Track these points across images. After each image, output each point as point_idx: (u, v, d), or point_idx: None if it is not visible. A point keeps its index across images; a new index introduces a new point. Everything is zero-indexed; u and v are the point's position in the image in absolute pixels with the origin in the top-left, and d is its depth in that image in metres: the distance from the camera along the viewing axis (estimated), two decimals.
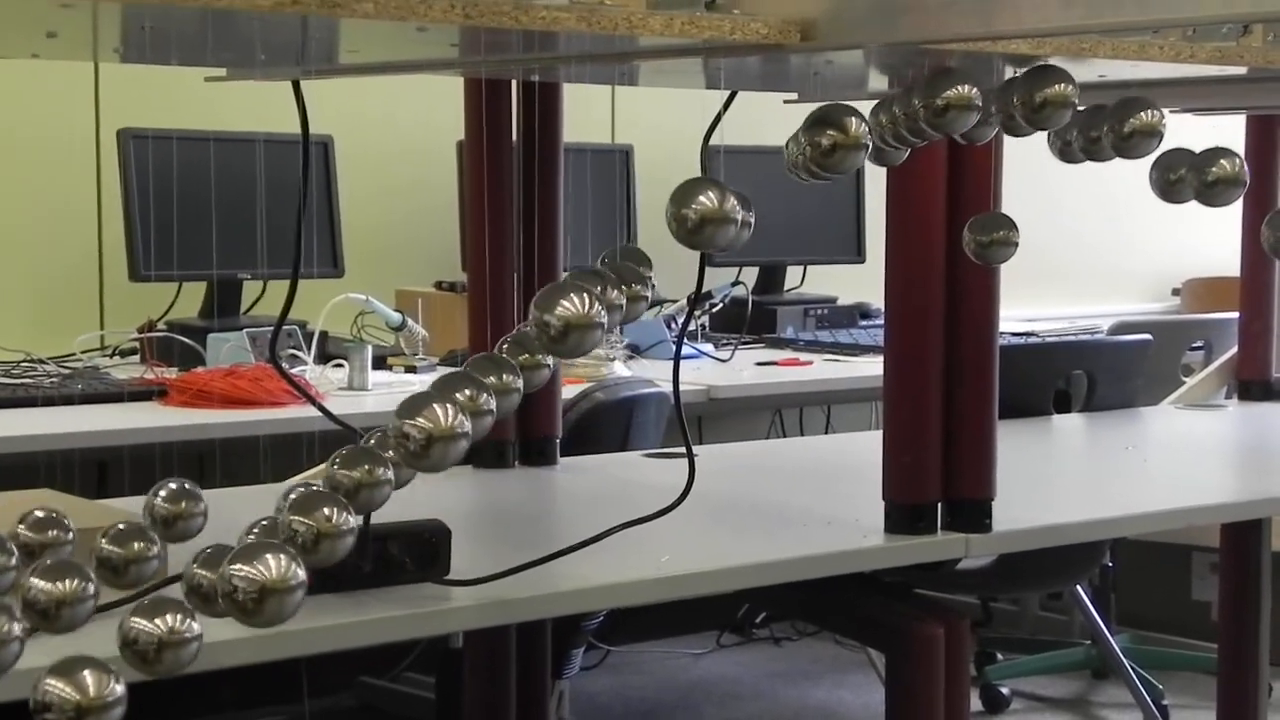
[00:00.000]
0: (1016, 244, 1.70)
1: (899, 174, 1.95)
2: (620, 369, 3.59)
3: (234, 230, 3.62)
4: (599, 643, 4.18)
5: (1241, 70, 1.71)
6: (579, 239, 3.90)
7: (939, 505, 1.97)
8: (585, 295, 1.38)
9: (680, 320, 4.04)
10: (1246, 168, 1.56)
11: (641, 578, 1.76)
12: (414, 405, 1.34)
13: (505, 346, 1.43)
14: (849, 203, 4.67)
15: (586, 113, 4.14)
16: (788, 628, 4.69)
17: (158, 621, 1.25)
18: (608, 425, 3.12)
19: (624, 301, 1.45)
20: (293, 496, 1.33)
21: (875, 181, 3.20)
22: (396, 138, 4.12)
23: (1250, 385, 3.06)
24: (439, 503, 2.14)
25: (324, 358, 3.46)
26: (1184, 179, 1.57)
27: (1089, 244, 5.52)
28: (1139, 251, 5.70)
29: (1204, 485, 2.55)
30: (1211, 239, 5.26)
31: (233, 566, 1.26)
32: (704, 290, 3.93)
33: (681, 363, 1.87)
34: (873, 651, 3.78)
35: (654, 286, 1.51)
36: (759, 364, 3.95)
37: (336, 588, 1.61)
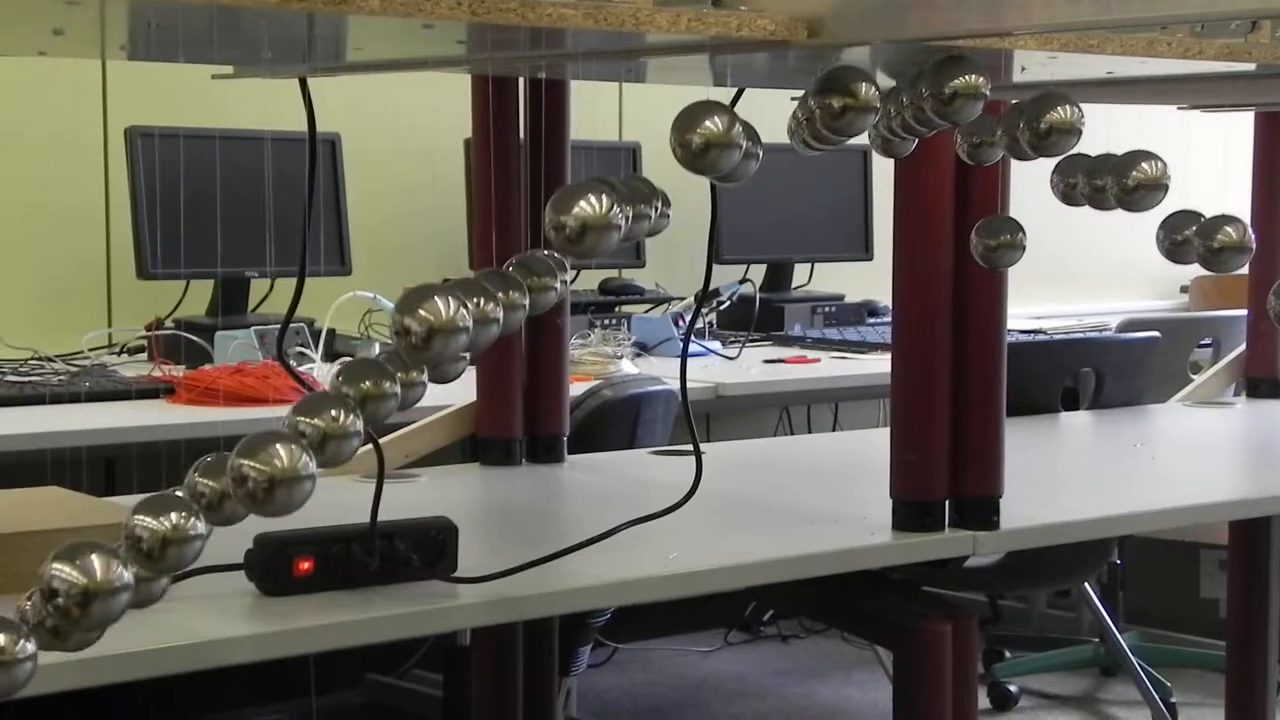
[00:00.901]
0: (1024, 248, 1.70)
1: (906, 169, 1.95)
2: (628, 366, 3.59)
3: (241, 228, 3.63)
4: (606, 640, 4.18)
5: (1250, 66, 1.70)
6: None
7: (946, 503, 1.96)
8: (603, 196, 1.38)
9: (688, 318, 4.04)
10: (1251, 233, 1.56)
11: (649, 575, 1.76)
12: (416, 298, 1.33)
13: (513, 266, 1.43)
14: (856, 200, 4.67)
15: (594, 110, 4.14)
16: (795, 625, 4.69)
17: (161, 519, 1.24)
18: (615, 423, 3.12)
19: (632, 215, 1.44)
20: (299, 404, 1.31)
21: (883, 178, 3.20)
22: (404, 135, 4.12)
23: (1259, 382, 3.05)
24: (446, 500, 2.14)
25: (332, 355, 3.47)
26: (1190, 241, 1.57)
27: (1097, 241, 5.51)
28: (1147, 248, 5.63)
29: (1212, 483, 2.54)
30: None
31: (242, 459, 1.26)
32: (711, 288, 3.94)
33: (689, 360, 1.87)
34: (880, 649, 3.78)
35: (665, 212, 1.50)
36: (766, 361, 3.94)
37: (344, 585, 1.61)
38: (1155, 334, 3.28)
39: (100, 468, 3.26)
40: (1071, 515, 2.13)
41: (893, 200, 1.98)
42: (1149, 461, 2.66)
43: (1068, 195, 1.62)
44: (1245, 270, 3.05)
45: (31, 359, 3.43)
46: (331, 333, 3.53)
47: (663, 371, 3.48)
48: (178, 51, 1.75)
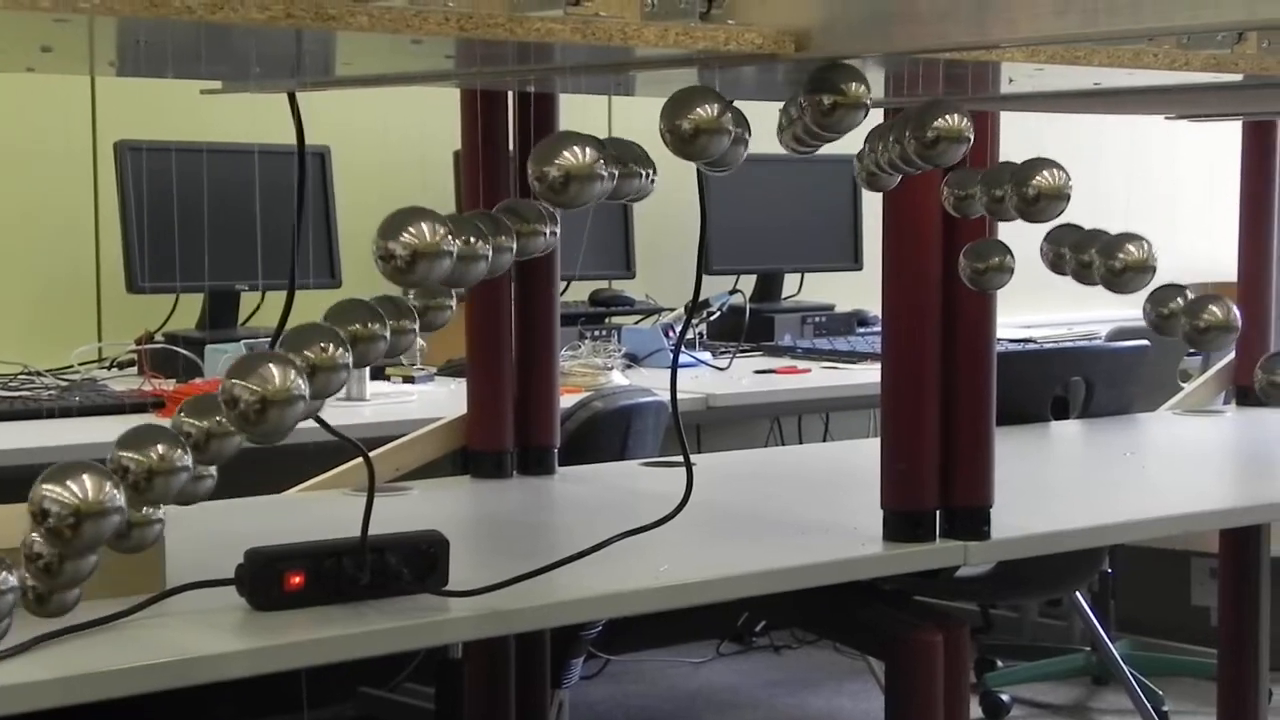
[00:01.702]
0: (1012, 270, 1.72)
1: (896, 184, 1.95)
2: (618, 378, 3.59)
3: (231, 241, 3.62)
4: (598, 652, 4.18)
5: (1237, 77, 1.71)
6: (575, 249, 3.90)
7: (937, 513, 1.96)
8: (587, 148, 1.38)
9: (678, 329, 4.04)
10: (1238, 313, 1.58)
11: (640, 587, 1.76)
12: (400, 221, 1.34)
13: (501, 210, 1.44)
14: (846, 210, 4.67)
15: (582, 123, 4.14)
16: (787, 636, 4.69)
17: (149, 451, 1.25)
18: (606, 434, 3.12)
19: (619, 172, 1.45)
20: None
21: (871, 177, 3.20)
22: (393, 148, 4.12)
23: (1248, 391, 3.06)
24: (437, 513, 2.14)
25: None
26: (1176, 316, 1.59)
27: None
28: None
29: (1203, 491, 2.55)
30: (1207, 245, 5.26)
31: (234, 380, 1.27)
32: (701, 298, 3.94)
33: (679, 371, 1.87)
34: (872, 659, 3.78)
35: (652, 178, 1.50)
36: (757, 372, 3.95)
37: (335, 599, 1.61)
38: (1145, 343, 3.28)
39: None
40: (1062, 524, 2.14)
41: (882, 210, 1.98)
42: (1139, 470, 2.67)
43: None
44: (1234, 277, 3.06)
45: (21, 374, 3.43)
46: None
47: (653, 383, 3.47)
48: (166, 67, 1.75)
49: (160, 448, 1.26)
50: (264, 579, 1.60)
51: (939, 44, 1.43)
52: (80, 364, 3.57)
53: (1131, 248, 1.54)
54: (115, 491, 1.21)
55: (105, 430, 2.97)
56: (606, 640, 3.91)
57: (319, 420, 1.71)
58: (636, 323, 4.30)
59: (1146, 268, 1.53)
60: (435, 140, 3.78)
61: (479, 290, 2.42)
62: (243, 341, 3.47)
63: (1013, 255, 1.71)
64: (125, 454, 1.25)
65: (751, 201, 4.43)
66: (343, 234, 3.89)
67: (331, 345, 1.33)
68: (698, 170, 1.78)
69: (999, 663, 4.32)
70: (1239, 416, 3.03)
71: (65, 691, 1.41)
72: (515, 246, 1.42)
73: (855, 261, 4.68)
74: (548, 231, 1.46)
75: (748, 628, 4.65)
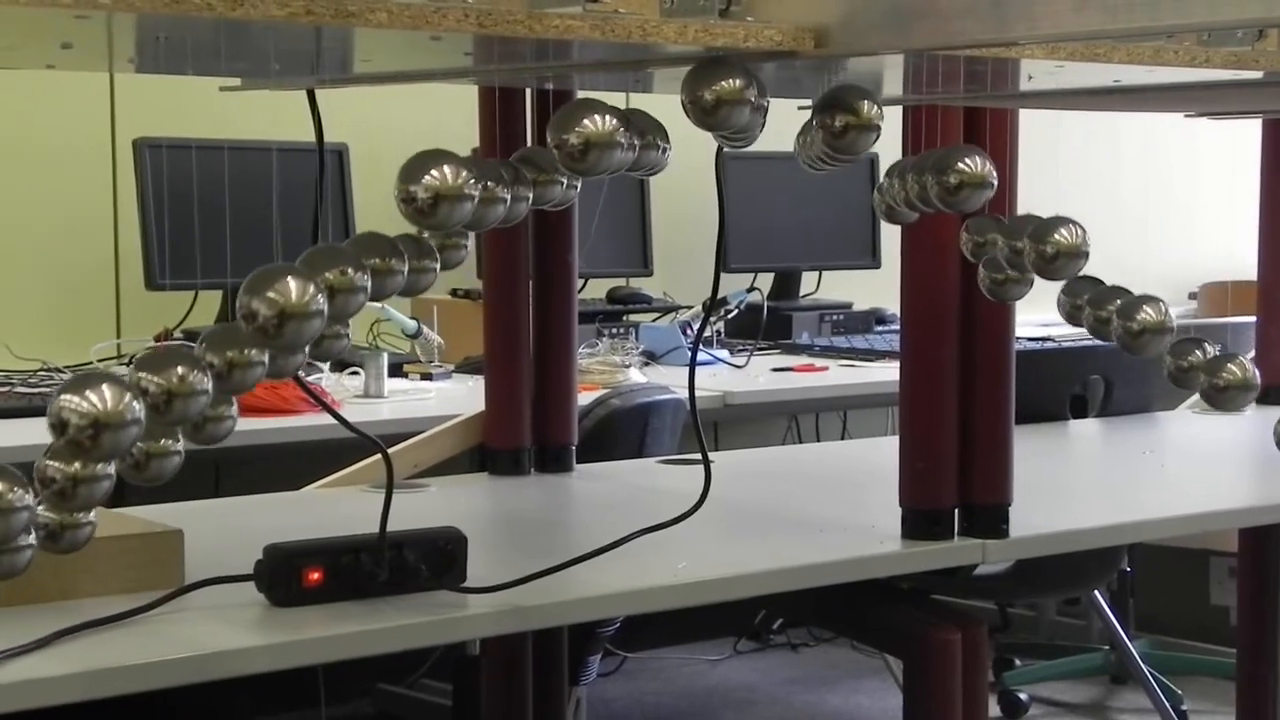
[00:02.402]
0: (1032, 281, 1.72)
1: None
2: (636, 375, 3.59)
3: (249, 239, 3.63)
4: (616, 649, 4.17)
5: (1257, 74, 1.70)
6: (593, 246, 3.90)
7: (956, 511, 1.96)
8: (608, 116, 1.39)
9: (695, 326, 4.03)
10: (1256, 373, 1.61)
11: (658, 584, 1.76)
12: (421, 165, 1.35)
13: (518, 159, 1.45)
14: (864, 208, 4.66)
15: None
16: (804, 634, 4.69)
17: (167, 373, 1.25)
18: (623, 432, 3.12)
19: (640, 143, 1.45)
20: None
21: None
22: (411, 146, 4.10)
23: (1268, 389, 3.05)
24: (455, 510, 2.14)
25: (340, 365, 3.47)
26: (1195, 371, 1.62)
27: (1105, 248, 5.47)
28: (1156, 255, 5.68)
29: (1222, 490, 2.54)
30: (1229, 243, 5.25)
31: (250, 295, 1.27)
32: (719, 296, 3.94)
33: (697, 369, 1.87)
34: (890, 657, 3.77)
35: (668, 151, 1.51)
36: (774, 370, 3.94)
37: (353, 595, 1.61)
38: None
39: None
40: (1081, 523, 2.13)
41: None
42: (1158, 469, 2.66)
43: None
44: (1254, 275, 3.05)
45: (40, 370, 3.44)
46: None
47: (671, 380, 3.47)
48: (186, 64, 1.76)
49: (180, 369, 1.26)
50: (283, 575, 1.60)
51: (959, 41, 1.42)
52: (99, 360, 3.58)
53: (1149, 310, 1.55)
54: (135, 403, 1.21)
55: None
56: (624, 637, 3.91)
57: (338, 417, 1.71)
58: (654, 320, 4.30)
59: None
60: (452, 138, 3.75)
61: (497, 287, 2.42)
62: None
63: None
64: (144, 375, 1.25)
65: (769, 199, 4.43)
66: (360, 231, 3.89)
67: (350, 269, 1.34)
68: (716, 167, 1.78)
69: (1017, 661, 4.31)
70: (1258, 415, 3.01)
71: (85, 686, 1.42)
72: (532, 195, 1.43)
73: (873, 259, 4.67)
74: (564, 181, 1.47)
75: (765, 625, 4.64)
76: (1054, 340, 4.34)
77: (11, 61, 1.88)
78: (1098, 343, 4.36)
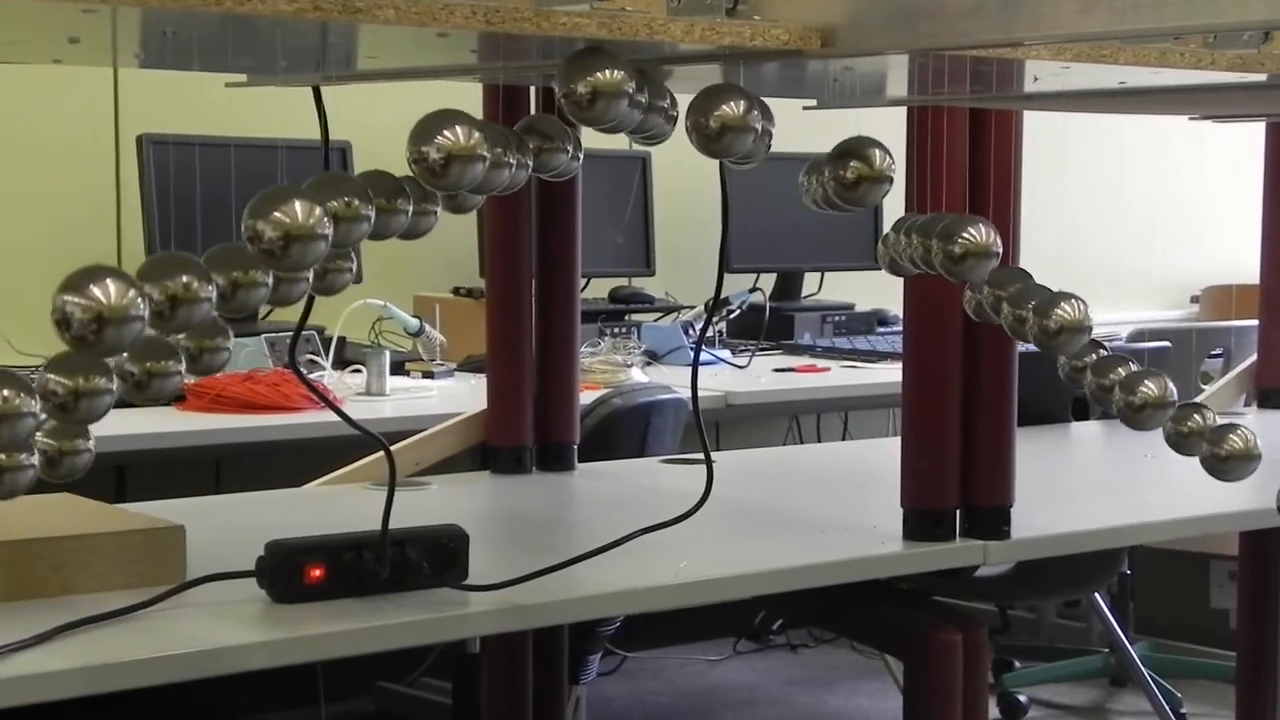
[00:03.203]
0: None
1: (917, 179, 1.95)
2: (637, 375, 3.59)
3: None
4: (616, 648, 4.17)
5: (1262, 77, 1.70)
6: (596, 245, 3.91)
7: (957, 512, 1.96)
8: (617, 69, 1.39)
9: (698, 326, 4.04)
10: (1259, 443, 1.62)
11: (659, 584, 1.76)
12: (434, 125, 1.36)
13: (522, 127, 1.46)
14: (866, 209, 4.66)
15: None
16: (804, 634, 4.69)
17: (169, 283, 1.25)
18: (625, 431, 3.12)
19: (647, 102, 1.47)
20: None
21: (894, 189, 3.20)
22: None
23: (1270, 393, 3.05)
24: (456, 508, 2.14)
25: (342, 363, 3.47)
26: (1196, 437, 1.64)
27: (1108, 251, 5.51)
28: (1158, 259, 5.68)
29: (1222, 493, 2.52)
30: (1231, 246, 5.25)
31: (255, 219, 1.28)
32: (721, 296, 3.94)
33: (699, 369, 1.87)
34: (890, 658, 3.77)
35: (673, 115, 1.52)
36: (776, 370, 3.94)
37: (355, 592, 1.61)
38: (1166, 344, 3.28)
39: (110, 474, 3.26)
40: (1082, 525, 2.13)
41: (903, 209, 1.98)
42: (1159, 472, 2.66)
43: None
44: (1256, 279, 3.05)
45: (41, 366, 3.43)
46: (342, 340, 3.53)
47: (672, 380, 3.47)
48: (192, 60, 1.76)
49: (184, 278, 1.26)
50: (284, 571, 1.60)
51: (965, 41, 1.42)
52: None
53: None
54: (139, 299, 1.21)
55: (126, 423, 2.99)
56: (624, 637, 3.92)
57: (340, 414, 1.71)
58: (656, 320, 4.30)
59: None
60: None
61: (499, 286, 2.42)
62: (263, 336, 3.48)
63: (1034, 280, 1.72)
64: (150, 284, 1.25)
65: (772, 200, 4.41)
66: None
67: (356, 200, 1.35)
68: (720, 168, 1.78)
69: (1017, 663, 4.31)
70: (1260, 419, 3.02)
71: (86, 682, 1.41)
72: (531, 163, 1.44)
73: (875, 261, 4.67)
74: (569, 150, 1.47)
75: (765, 626, 4.64)
76: None
77: (18, 56, 1.88)
78: None
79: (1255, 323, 3.09)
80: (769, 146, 1.49)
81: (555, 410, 2.41)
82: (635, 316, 4.25)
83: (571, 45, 1.53)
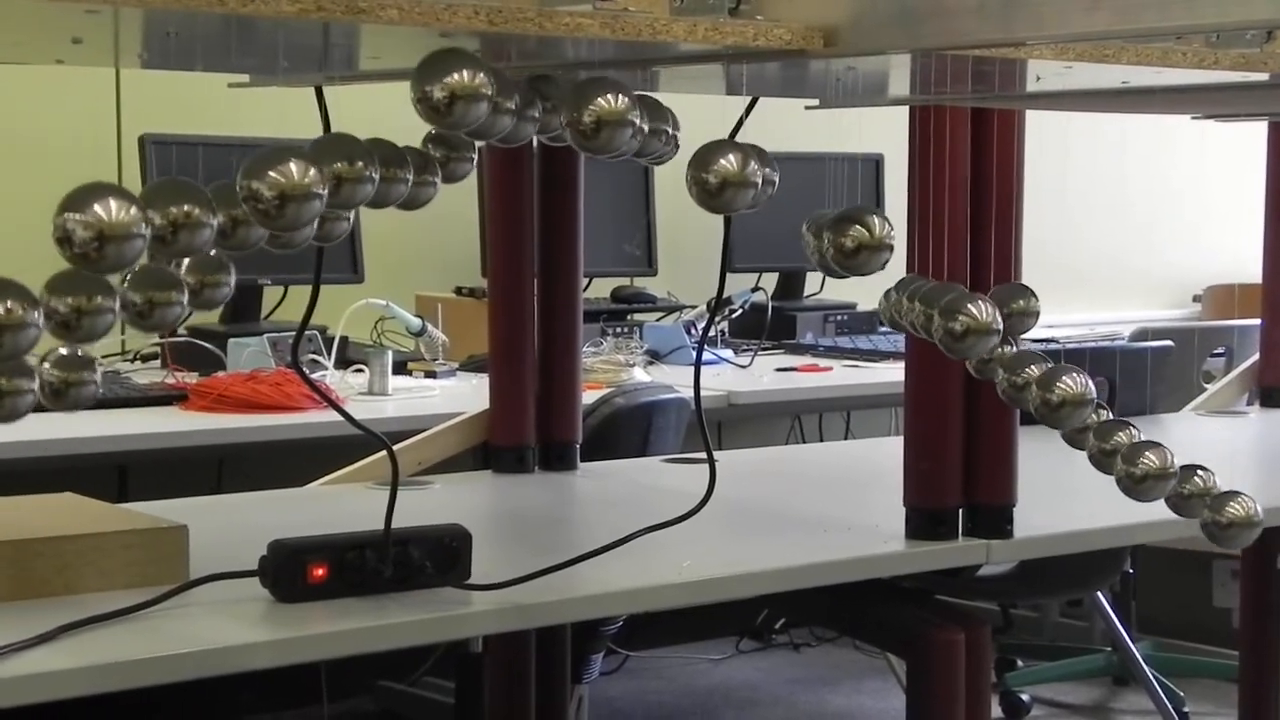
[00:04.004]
0: (1037, 313, 1.73)
1: (919, 181, 1.95)
2: (640, 374, 3.59)
3: None
4: (618, 648, 4.18)
5: (1264, 76, 1.70)
6: (598, 245, 3.90)
7: (960, 511, 1.96)
8: (621, 95, 1.40)
9: (700, 326, 4.04)
10: (1260, 510, 1.63)
11: (661, 583, 1.76)
12: (441, 66, 1.37)
13: (531, 79, 1.48)
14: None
15: None
16: (807, 633, 4.69)
17: (173, 208, 1.25)
18: (627, 431, 3.12)
19: (648, 127, 1.49)
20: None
21: (896, 188, 3.20)
22: (416, 142, 4.12)
23: (1272, 391, 3.05)
24: (459, 507, 2.14)
25: (344, 363, 3.47)
26: (1198, 501, 1.65)
27: (1110, 251, 5.50)
28: (1160, 258, 5.68)
29: None
30: (1233, 245, 5.25)
31: (251, 179, 1.28)
32: (724, 296, 3.94)
33: (701, 368, 1.87)
34: (893, 657, 3.78)
35: (675, 138, 1.53)
36: (778, 370, 3.94)
37: (358, 591, 1.61)
38: (1168, 343, 3.27)
39: (113, 474, 3.26)
40: (1085, 524, 2.13)
41: (905, 208, 1.98)
42: None
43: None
44: (1259, 278, 3.05)
45: None
46: (344, 340, 3.53)
47: (675, 379, 3.48)
48: (195, 60, 1.76)
49: (186, 206, 1.27)
50: (287, 571, 1.60)
51: (967, 40, 1.42)
52: (104, 357, 3.58)
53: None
54: (140, 218, 1.21)
55: (129, 423, 2.99)
56: (627, 636, 3.92)
57: (343, 414, 1.71)
58: (658, 320, 4.30)
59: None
60: None
61: (501, 285, 2.42)
62: (266, 335, 3.48)
63: (1037, 298, 1.73)
64: (152, 211, 1.25)
65: (774, 199, 4.42)
66: (365, 229, 3.90)
67: (360, 162, 1.35)
68: None
69: (1019, 662, 4.31)
70: (1262, 418, 3.02)
71: (89, 681, 1.42)
72: (539, 116, 1.45)
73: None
74: (573, 118, 1.47)
75: (768, 625, 4.65)
76: (1058, 342, 4.34)
77: (21, 56, 1.88)
78: (1102, 344, 4.38)
79: (1258, 322, 3.09)
80: (773, 193, 1.50)
81: (557, 410, 2.41)
82: (637, 316, 4.25)
83: (575, 45, 1.53)
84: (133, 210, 1.21)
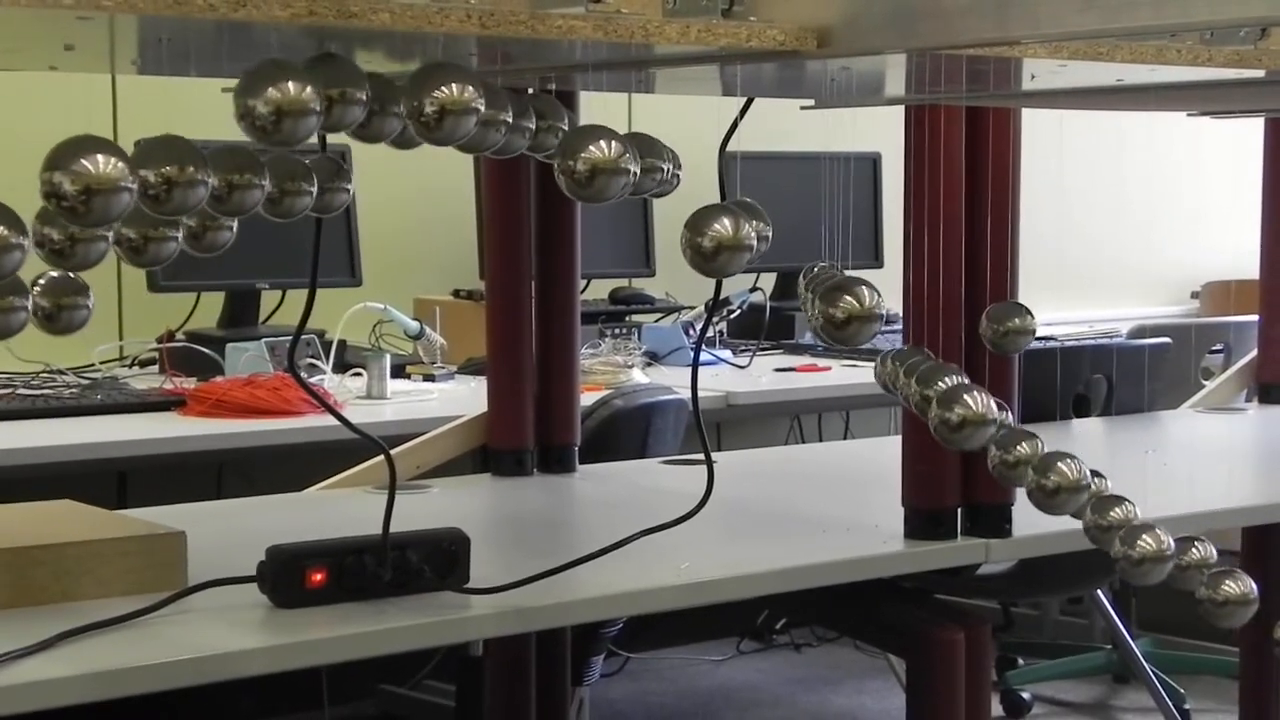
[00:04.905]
0: (1033, 331, 1.74)
1: (917, 179, 1.95)
2: (638, 376, 3.59)
3: (252, 240, 3.61)
4: (619, 650, 4.17)
5: (1259, 73, 1.70)
6: (596, 248, 3.90)
7: (959, 510, 1.96)
8: (614, 142, 1.41)
9: (698, 327, 4.03)
10: (1255, 588, 1.66)
11: (661, 585, 1.76)
12: (429, 78, 1.40)
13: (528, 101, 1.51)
14: (867, 208, 4.66)
15: (602, 120, 4.13)
16: (807, 634, 4.69)
17: (168, 165, 1.29)
18: (626, 432, 3.12)
19: (640, 168, 1.50)
20: None
21: (893, 186, 3.21)
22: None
23: (1270, 388, 3.05)
24: (457, 511, 2.14)
25: (342, 367, 3.47)
26: (1194, 572, 1.67)
27: (1108, 247, 5.50)
28: (1158, 254, 5.68)
29: (1224, 489, 2.54)
30: (1231, 242, 5.25)
31: (248, 97, 1.29)
32: (722, 296, 3.93)
33: (699, 369, 1.87)
34: (893, 657, 3.78)
35: (676, 174, 1.53)
36: (777, 370, 3.94)
37: (357, 596, 1.61)
38: (1166, 340, 3.27)
39: (112, 480, 3.26)
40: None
41: (903, 208, 1.98)
42: (1160, 468, 2.66)
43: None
44: (1256, 274, 3.05)
45: (43, 372, 3.43)
46: (342, 344, 3.53)
47: (673, 381, 3.47)
48: (188, 65, 1.76)
49: (182, 162, 1.27)
50: (286, 576, 1.60)
51: (962, 40, 1.42)
52: (102, 362, 3.58)
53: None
54: (126, 170, 1.22)
55: (127, 429, 2.99)
56: (627, 638, 3.91)
57: (340, 418, 1.71)
58: (657, 321, 4.30)
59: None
60: None
61: (499, 288, 2.42)
62: (264, 340, 3.48)
63: (1033, 315, 1.73)
64: (145, 171, 1.26)
65: (771, 199, 4.42)
66: (363, 233, 3.89)
67: (355, 89, 1.36)
68: (719, 168, 1.78)
69: (1020, 661, 4.31)
70: (1261, 414, 3.02)
71: (88, 688, 1.41)
72: (533, 137, 1.46)
73: (876, 259, 4.67)
74: (565, 123, 1.48)
75: (768, 625, 4.64)
76: (1057, 340, 4.34)
77: (14, 63, 1.88)
78: (1100, 342, 4.38)
79: (1255, 318, 3.09)
80: (767, 247, 1.51)
81: (556, 412, 2.41)
82: (636, 317, 4.25)
83: (568, 48, 1.53)
84: (119, 163, 1.22)
